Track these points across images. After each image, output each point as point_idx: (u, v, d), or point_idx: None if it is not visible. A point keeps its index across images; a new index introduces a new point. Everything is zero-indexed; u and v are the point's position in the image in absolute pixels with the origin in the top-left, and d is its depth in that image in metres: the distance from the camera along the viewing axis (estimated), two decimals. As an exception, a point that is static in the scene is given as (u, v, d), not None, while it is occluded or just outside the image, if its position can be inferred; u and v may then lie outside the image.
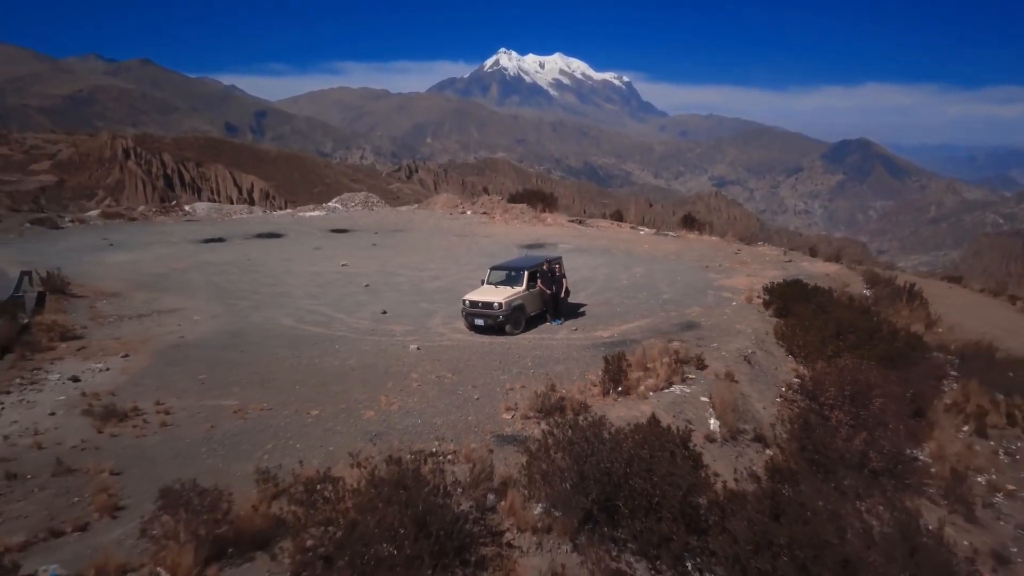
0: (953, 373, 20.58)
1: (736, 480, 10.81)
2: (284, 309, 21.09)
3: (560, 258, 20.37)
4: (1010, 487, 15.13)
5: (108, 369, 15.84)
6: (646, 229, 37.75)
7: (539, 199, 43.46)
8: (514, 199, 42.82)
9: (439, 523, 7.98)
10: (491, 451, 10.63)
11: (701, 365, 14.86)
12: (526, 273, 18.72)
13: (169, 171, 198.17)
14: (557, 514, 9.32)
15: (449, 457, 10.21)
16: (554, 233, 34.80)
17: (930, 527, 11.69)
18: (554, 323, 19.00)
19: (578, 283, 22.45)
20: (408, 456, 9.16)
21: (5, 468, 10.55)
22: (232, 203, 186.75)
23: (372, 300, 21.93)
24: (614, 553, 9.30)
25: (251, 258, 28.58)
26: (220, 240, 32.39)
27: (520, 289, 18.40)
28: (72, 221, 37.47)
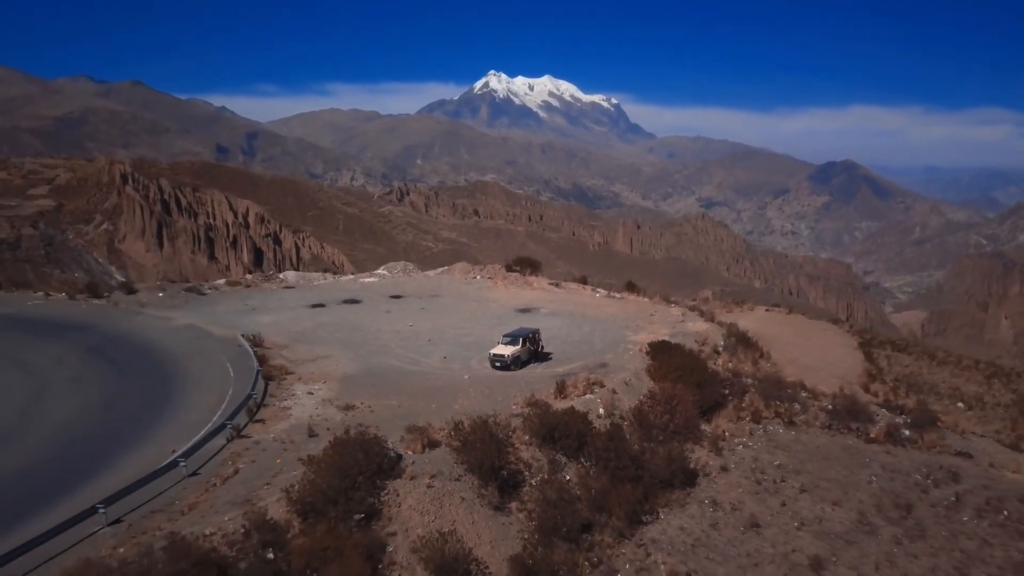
0: (752, 390, 38.23)
1: (601, 429, 28.49)
2: (389, 355, 38.57)
3: (539, 329, 38.10)
4: (749, 444, 32.72)
5: (321, 389, 33.24)
6: (601, 291, 55.65)
7: (527, 265, 61.42)
8: (509, 268, 60.91)
9: (497, 437, 25.57)
10: (511, 417, 28.16)
11: (602, 385, 32.51)
12: (521, 338, 36.37)
13: (166, 196, 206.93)
14: (534, 439, 26.91)
15: (496, 419, 27.70)
16: (538, 297, 52.61)
17: (684, 452, 29.45)
18: (536, 365, 36.69)
19: (550, 339, 40.11)
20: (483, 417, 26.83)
21: (325, 427, 27.95)
22: (229, 222, 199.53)
23: (435, 349, 39.49)
24: (553, 452, 26.85)
25: (349, 320, 46.00)
26: (322, 305, 49.71)
27: (518, 347, 36.06)
28: (210, 289, 54.84)
